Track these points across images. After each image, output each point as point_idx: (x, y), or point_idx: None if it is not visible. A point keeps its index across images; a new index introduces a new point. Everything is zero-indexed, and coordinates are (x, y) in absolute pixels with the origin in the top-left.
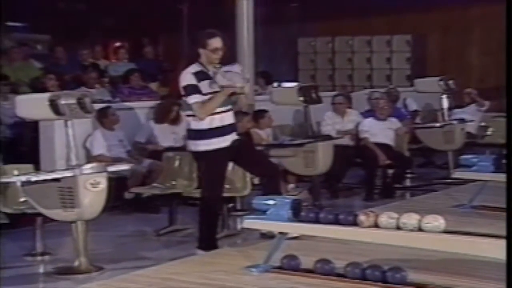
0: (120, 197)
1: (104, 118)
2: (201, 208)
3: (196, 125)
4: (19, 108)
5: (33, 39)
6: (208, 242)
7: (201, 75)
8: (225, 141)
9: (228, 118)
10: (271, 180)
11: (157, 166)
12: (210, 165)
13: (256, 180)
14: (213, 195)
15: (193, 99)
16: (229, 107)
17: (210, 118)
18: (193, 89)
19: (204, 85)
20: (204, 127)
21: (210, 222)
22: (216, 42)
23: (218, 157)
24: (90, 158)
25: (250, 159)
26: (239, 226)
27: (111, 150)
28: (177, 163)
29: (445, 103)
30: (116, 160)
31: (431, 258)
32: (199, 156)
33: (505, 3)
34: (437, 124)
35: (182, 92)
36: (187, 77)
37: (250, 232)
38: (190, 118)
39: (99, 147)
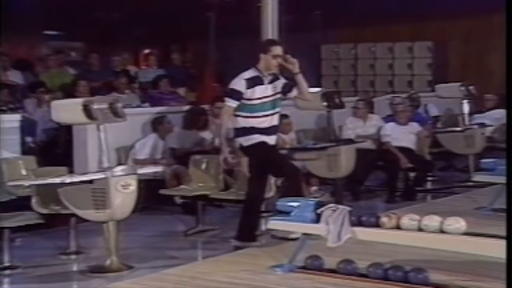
0: (150, 198)
1: (159, 125)
2: (245, 200)
3: (243, 123)
4: (54, 112)
5: (68, 46)
6: (246, 233)
7: (255, 81)
8: (265, 138)
9: (269, 121)
10: (291, 181)
11: (182, 170)
12: (256, 157)
13: (279, 182)
14: (258, 188)
15: (228, 102)
16: (276, 110)
17: (252, 120)
18: (234, 94)
19: (256, 91)
20: (249, 125)
21: (252, 214)
22: (277, 50)
23: (261, 149)
24: (133, 160)
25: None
26: (264, 227)
27: (154, 157)
28: (204, 165)
29: (466, 108)
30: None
31: (453, 259)
32: (245, 151)
33: None
34: (458, 129)
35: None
36: (237, 82)
37: (275, 233)
38: (239, 118)
39: (146, 153)
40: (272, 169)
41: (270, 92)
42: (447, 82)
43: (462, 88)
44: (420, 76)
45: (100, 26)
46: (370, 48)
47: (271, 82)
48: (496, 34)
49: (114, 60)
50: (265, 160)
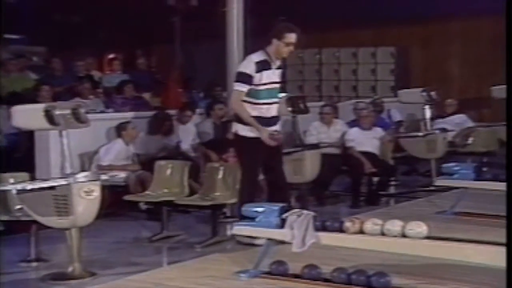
0: (115, 204)
1: (123, 131)
2: (241, 186)
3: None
4: (15, 118)
5: (30, 51)
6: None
7: (264, 65)
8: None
9: (272, 111)
10: (280, 191)
11: (147, 175)
12: (247, 150)
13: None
14: (250, 176)
15: (238, 86)
16: (275, 99)
17: (257, 107)
18: (244, 78)
19: (264, 75)
20: (252, 114)
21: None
22: (292, 37)
23: (254, 144)
24: (97, 165)
25: (274, 162)
26: (228, 233)
27: (118, 163)
28: (168, 171)
29: (428, 113)
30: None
31: (414, 263)
32: (239, 139)
33: (483, 19)
34: (420, 134)
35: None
36: (247, 65)
37: (241, 239)
38: (243, 103)
39: (110, 157)
40: (268, 171)
41: (276, 78)
42: (409, 88)
43: (424, 93)
44: (383, 81)
45: (63, 30)
46: (334, 54)
47: (278, 68)
48: (456, 40)
49: (77, 65)
50: (256, 157)
